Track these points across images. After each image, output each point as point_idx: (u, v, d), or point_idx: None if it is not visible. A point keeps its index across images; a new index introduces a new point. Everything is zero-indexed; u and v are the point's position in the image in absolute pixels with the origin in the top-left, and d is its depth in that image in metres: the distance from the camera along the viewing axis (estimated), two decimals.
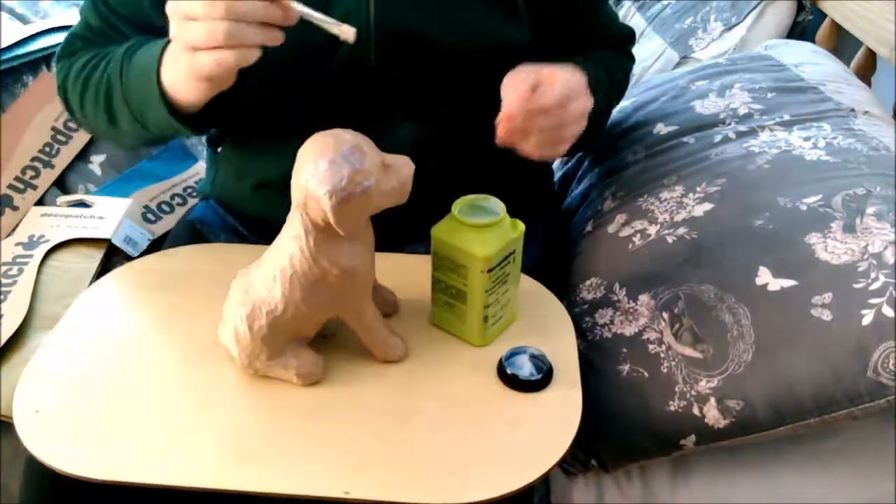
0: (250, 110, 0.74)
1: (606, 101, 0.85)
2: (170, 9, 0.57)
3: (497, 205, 0.62)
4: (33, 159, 1.24)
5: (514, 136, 0.62)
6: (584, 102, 0.66)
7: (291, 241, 0.55)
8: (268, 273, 0.57)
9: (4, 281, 0.97)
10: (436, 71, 0.72)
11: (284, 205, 0.57)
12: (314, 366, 0.60)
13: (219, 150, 0.84)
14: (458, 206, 0.62)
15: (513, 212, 0.63)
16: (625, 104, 1.02)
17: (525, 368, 0.60)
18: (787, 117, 0.89)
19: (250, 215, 0.86)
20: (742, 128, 0.89)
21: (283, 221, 0.57)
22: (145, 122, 0.68)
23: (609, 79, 0.83)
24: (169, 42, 0.62)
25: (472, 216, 0.61)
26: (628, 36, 0.91)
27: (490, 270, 0.60)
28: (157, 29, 0.68)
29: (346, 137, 0.52)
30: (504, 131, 0.62)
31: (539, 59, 0.64)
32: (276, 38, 0.55)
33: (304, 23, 0.56)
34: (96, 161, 1.29)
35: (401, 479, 0.53)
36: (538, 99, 0.61)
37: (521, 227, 0.63)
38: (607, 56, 0.86)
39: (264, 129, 0.77)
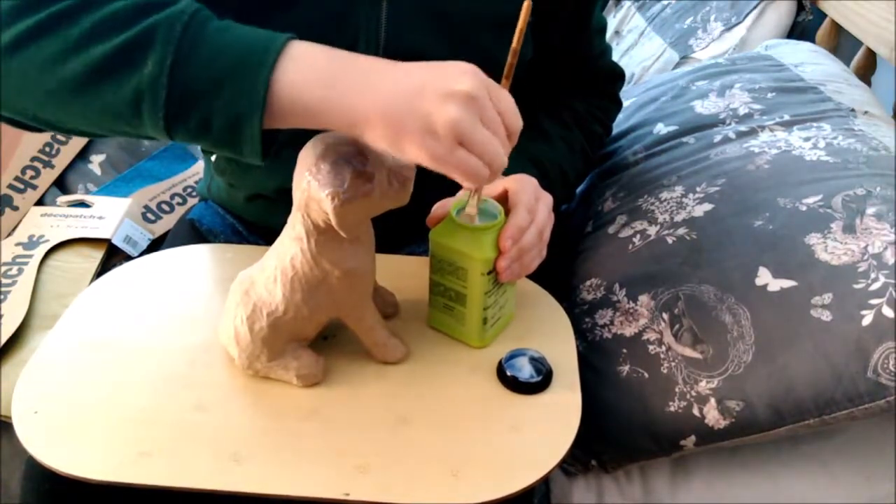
0: None
1: (573, 177, 0.86)
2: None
3: (495, 207, 0.62)
4: (33, 159, 1.24)
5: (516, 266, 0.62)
6: (546, 207, 0.65)
7: (292, 242, 0.55)
8: (268, 274, 0.57)
9: (4, 281, 0.97)
10: None
11: (280, 212, 0.57)
12: (314, 367, 0.60)
13: (213, 157, 0.83)
14: (457, 208, 0.62)
15: None
16: (625, 104, 1.02)
17: (525, 370, 0.60)
18: (787, 117, 0.89)
19: (247, 220, 0.87)
20: (742, 128, 0.89)
21: (281, 226, 0.57)
22: (191, 94, 0.50)
23: (571, 153, 0.84)
24: (291, 38, 0.51)
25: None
26: (619, 74, 0.91)
27: (490, 272, 0.60)
28: None
29: (347, 139, 0.52)
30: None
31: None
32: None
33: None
34: (96, 161, 1.29)
35: (401, 481, 0.53)
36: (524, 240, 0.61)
37: None
38: (583, 113, 0.86)
39: None
